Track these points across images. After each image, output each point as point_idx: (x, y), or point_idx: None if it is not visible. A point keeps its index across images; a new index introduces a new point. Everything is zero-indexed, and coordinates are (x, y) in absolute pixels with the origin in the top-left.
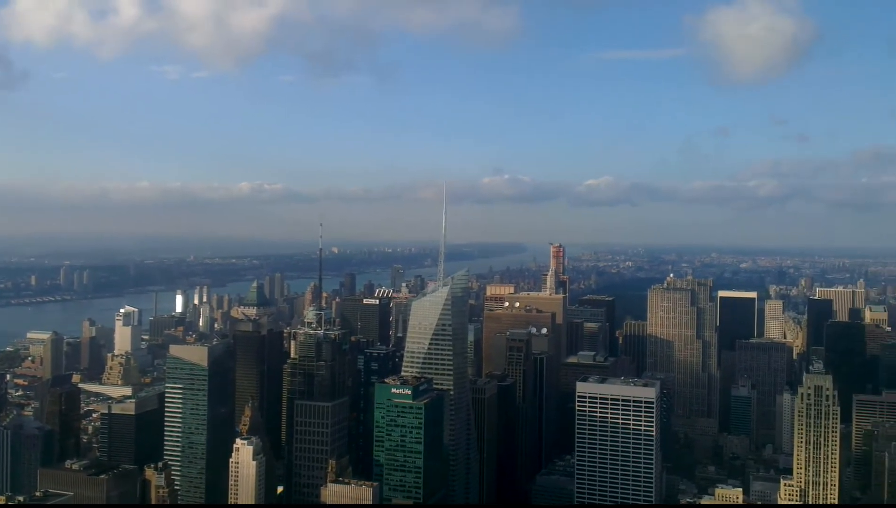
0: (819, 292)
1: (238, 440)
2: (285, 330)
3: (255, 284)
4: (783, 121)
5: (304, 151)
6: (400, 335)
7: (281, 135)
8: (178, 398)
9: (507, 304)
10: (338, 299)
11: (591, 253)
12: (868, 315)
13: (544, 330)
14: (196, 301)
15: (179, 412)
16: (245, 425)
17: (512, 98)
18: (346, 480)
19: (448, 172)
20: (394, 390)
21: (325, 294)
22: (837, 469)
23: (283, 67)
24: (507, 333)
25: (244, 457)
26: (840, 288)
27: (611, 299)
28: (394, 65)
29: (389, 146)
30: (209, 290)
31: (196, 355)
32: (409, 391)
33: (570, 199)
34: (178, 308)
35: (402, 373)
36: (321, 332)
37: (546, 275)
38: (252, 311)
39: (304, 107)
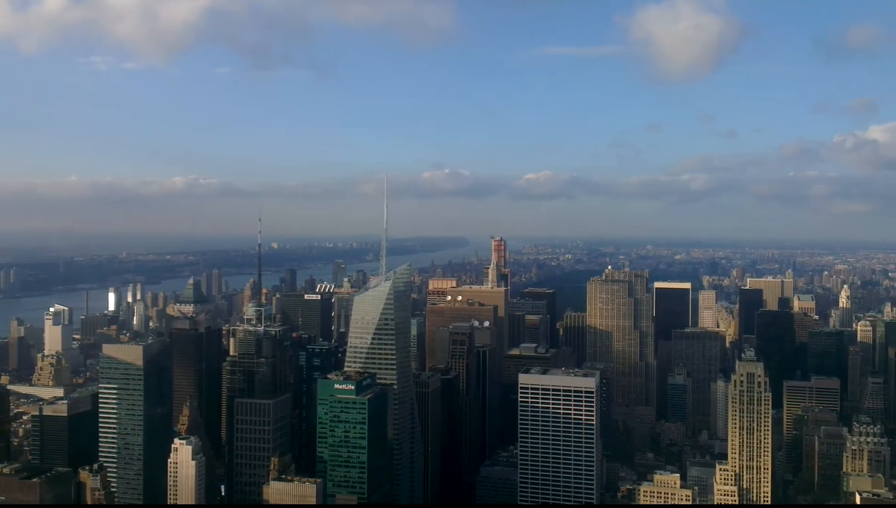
0: (750, 283)
1: (176, 440)
2: (224, 328)
3: (191, 281)
4: (712, 117)
5: (240, 146)
6: (342, 330)
7: (216, 129)
8: (113, 399)
9: (449, 298)
10: (278, 296)
11: (532, 246)
12: (796, 304)
13: (487, 323)
14: (129, 299)
15: (114, 413)
16: (183, 424)
17: (451, 93)
18: (289, 477)
19: (388, 166)
20: (337, 385)
21: (264, 290)
22: (770, 454)
23: (218, 60)
24: (450, 326)
25: (183, 457)
26: (770, 278)
27: (551, 291)
28: (331, 59)
29: (328, 141)
30: (143, 287)
31: (131, 354)
32: (353, 387)
33: (511, 193)
34: (111, 306)
35: (345, 369)
36: (261, 329)
37: (488, 268)
38: (189, 308)
39: (240, 100)
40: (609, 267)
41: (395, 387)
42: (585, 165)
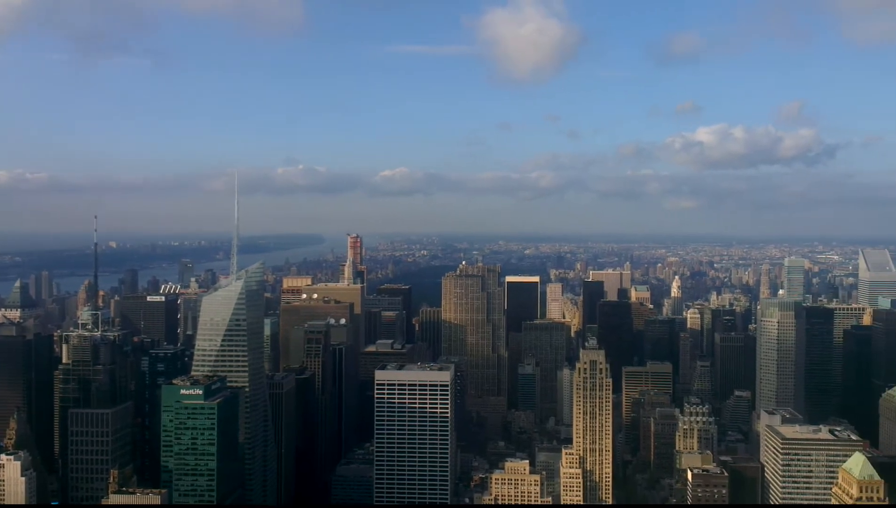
0: (592, 275)
1: (3, 456)
2: (55, 333)
3: (18, 283)
4: (557, 117)
5: (72, 137)
6: (189, 332)
7: (46, 119)
8: None
9: (304, 296)
10: (117, 298)
11: (388, 243)
12: (634, 295)
13: (343, 321)
14: None
15: None
16: (10, 439)
17: (303, 88)
18: (131, 490)
19: (239, 161)
20: (183, 391)
21: (101, 293)
22: (611, 436)
23: (48, 45)
24: (305, 325)
25: (11, 474)
26: (610, 271)
27: (407, 287)
28: (173, 48)
29: (172, 135)
30: None
31: None
32: (201, 392)
33: (367, 189)
34: None
35: (193, 373)
36: (98, 334)
37: (344, 266)
38: (15, 313)
39: (74, 89)
40: (463, 262)
41: (247, 390)
42: (440, 163)
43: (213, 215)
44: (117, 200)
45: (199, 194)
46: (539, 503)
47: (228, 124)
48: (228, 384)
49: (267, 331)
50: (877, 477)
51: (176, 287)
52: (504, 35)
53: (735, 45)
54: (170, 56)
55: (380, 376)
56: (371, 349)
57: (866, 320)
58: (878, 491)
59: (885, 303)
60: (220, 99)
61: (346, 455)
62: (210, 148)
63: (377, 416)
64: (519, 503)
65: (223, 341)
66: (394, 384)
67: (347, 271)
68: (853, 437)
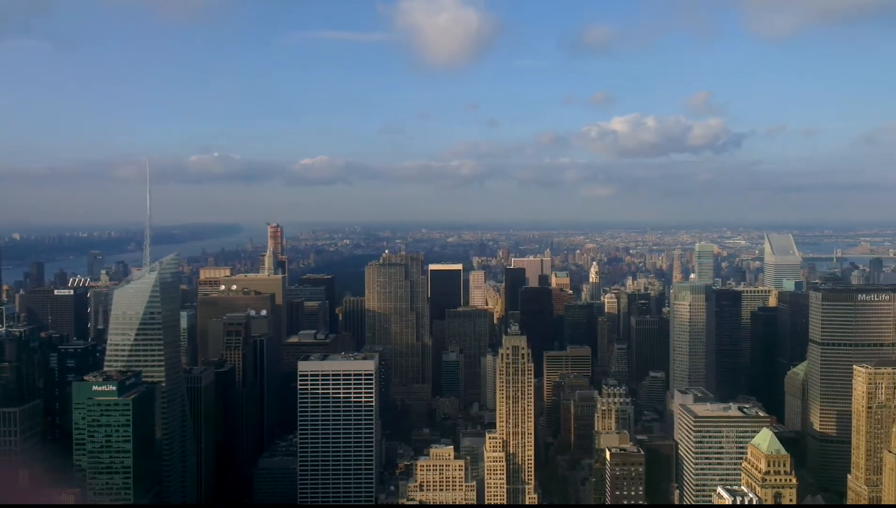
0: (514, 262)
1: None
2: None
3: None
4: (477, 106)
5: None
6: (101, 327)
7: None
8: None
9: (223, 287)
10: (22, 292)
11: (310, 232)
12: (554, 281)
13: (263, 312)
14: None
15: None
16: None
17: (217, 74)
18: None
19: (150, 149)
20: (95, 387)
21: (5, 287)
22: (533, 419)
23: None
24: (224, 317)
25: None
26: (531, 258)
27: (330, 277)
28: (76, 30)
29: (78, 121)
30: None
31: None
32: (114, 388)
33: (286, 178)
34: None
35: (105, 368)
36: (2, 330)
37: (264, 256)
38: None
39: None
40: (386, 251)
41: (163, 384)
42: (361, 151)
43: (123, 204)
44: (20, 189)
45: (108, 182)
46: (464, 487)
47: (138, 111)
48: (143, 379)
49: (184, 324)
50: (783, 452)
51: (85, 280)
52: (421, 23)
53: (645, 38)
54: (73, 39)
55: (303, 367)
56: (293, 339)
57: (772, 301)
58: (784, 465)
59: (788, 285)
60: (129, 84)
61: (269, 448)
62: (119, 135)
63: (300, 407)
64: (445, 490)
65: (137, 335)
66: (317, 375)
67: (268, 261)
68: (761, 414)
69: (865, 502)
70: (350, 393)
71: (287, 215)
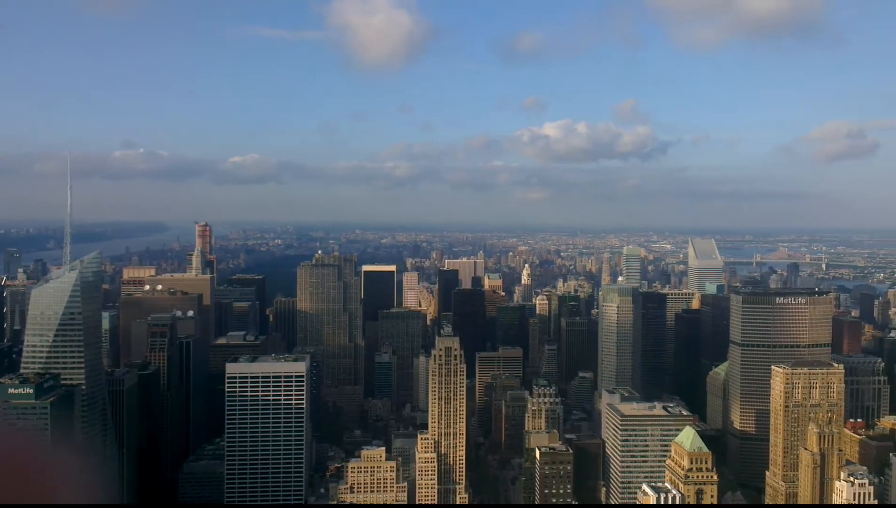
0: (448, 264)
1: None
2: None
3: None
4: (411, 108)
5: None
6: (17, 327)
7: None
8: None
9: (147, 287)
10: None
11: (240, 232)
12: (487, 282)
13: (190, 313)
14: None
15: None
16: None
17: (145, 69)
18: None
19: (71, 144)
20: (11, 390)
21: None
22: (465, 420)
23: None
24: (149, 318)
25: None
26: (464, 259)
27: (261, 277)
28: None
29: None
30: None
31: None
32: (31, 390)
33: (216, 176)
34: None
35: (22, 370)
36: None
37: (191, 255)
38: None
39: None
40: (319, 252)
41: (84, 387)
42: (294, 150)
43: (42, 200)
44: None
45: (26, 177)
46: (395, 488)
47: (59, 104)
48: (63, 381)
49: (105, 325)
50: (705, 449)
51: (2, 279)
52: (354, 23)
53: (575, 46)
54: None
55: (231, 369)
56: (222, 341)
57: (695, 304)
58: (706, 462)
59: (711, 288)
60: (52, 77)
61: (195, 452)
62: (39, 129)
63: (228, 410)
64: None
65: (56, 336)
66: (246, 377)
67: (195, 260)
68: (684, 413)
69: (783, 498)
70: (280, 395)
71: (216, 213)
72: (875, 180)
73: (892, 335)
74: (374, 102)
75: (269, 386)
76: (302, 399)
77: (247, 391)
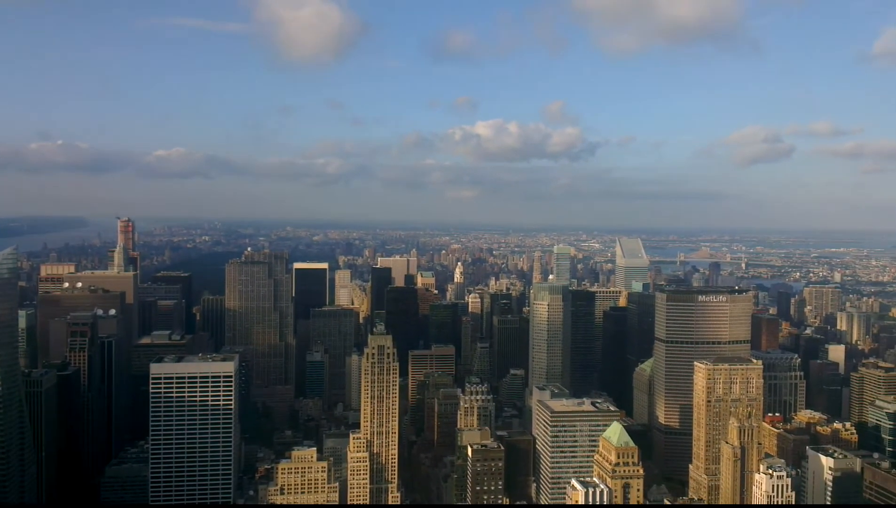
0: (381, 262)
1: None
2: None
3: None
4: (342, 105)
5: None
6: None
7: None
8: None
9: (66, 285)
10: None
11: (165, 228)
12: (420, 280)
13: (112, 311)
14: None
15: None
16: None
17: (63, 59)
18: None
19: None
20: None
21: None
22: (397, 418)
23: None
24: (68, 317)
25: None
26: (397, 257)
27: (187, 275)
28: None
29: None
30: None
31: None
32: None
33: (139, 170)
34: None
35: None
36: None
37: (113, 252)
38: None
39: None
40: (249, 249)
41: None
42: (221, 144)
43: None
44: None
45: None
46: (326, 489)
47: None
48: None
49: (22, 324)
50: (632, 444)
51: None
52: (281, 16)
53: (504, 47)
54: None
55: (155, 369)
56: (146, 341)
57: (622, 302)
58: (632, 457)
59: (637, 286)
60: None
61: (118, 455)
62: None
63: (153, 412)
64: (308, 492)
65: None
66: (171, 378)
67: (118, 257)
68: (611, 408)
69: (705, 490)
70: (207, 396)
71: (140, 209)
72: (791, 183)
73: (807, 331)
74: (303, 98)
75: (195, 387)
76: (230, 400)
77: (172, 393)
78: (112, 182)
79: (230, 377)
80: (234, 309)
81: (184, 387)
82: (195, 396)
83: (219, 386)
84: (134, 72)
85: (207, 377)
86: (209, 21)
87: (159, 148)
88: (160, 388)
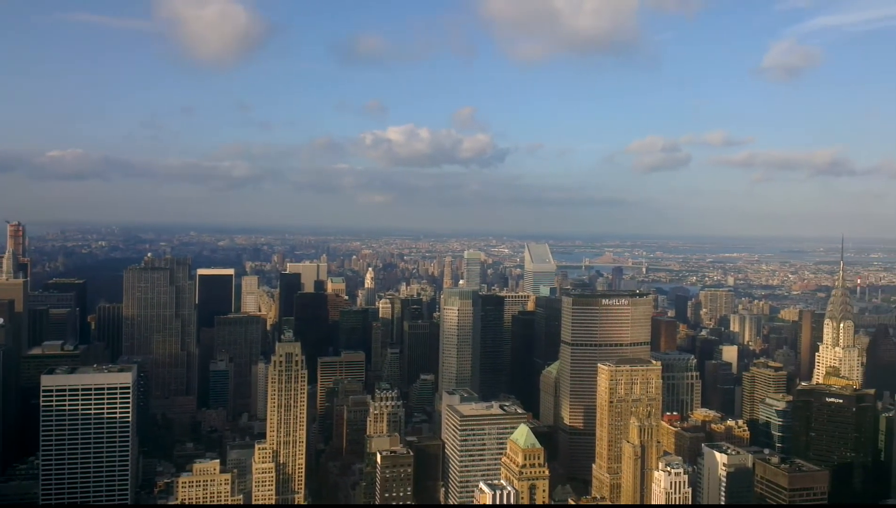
0: (290, 267)
1: None
2: None
3: None
4: (249, 107)
5: None
6: None
7: None
8: None
9: None
10: None
11: (58, 232)
12: (330, 286)
13: (0, 320)
14: None
15: None
16: None
17: None
18: None
19: None
20: None
21: None
22: (305, 427)
23: None
24: None
25: None
26: (307, 263)
27: (82, 281)
28: None
29: None
30: None
31: None
32: None
33: (30, 171)
34: None
35: None
36: None
37: (2, 258)
38: None
39: None
40: (149, 254)
41: None
42: (119, 145)
43: None
44: None
45: None
46: (230, 502)
47: None
48: None
49: None
50: (538, 445)
51: None
52: (183, 14)
53: (413, 52)
54: None
55: (46, 381)
56: (36, 351)
57: (530, 306)
58: (539, 458)
59: (545, 291)
60: None
61: (6, 472)
62: None
63: (44, 426)
64: (212, 503)
65: None
66: (64, 390)
67: (6, 263)
68: (519, 411)
69: (608, 489)
70: (102, 409)
71: (31, 212)
72: (688, 191)
73: (703, 333)
74: (208, 99)
75: (89, 399)
76: (127, 413)
77: (65, 406)
78: (1, 184)
79: (127, 388)
80: (133, 317)
81: (77, 400)
82: (89, 409)
83: (115, 398)
84: (25, 68)
85: (103, 389)
86: (107, 17)
87: (54, 148)
88: (52, 401)
